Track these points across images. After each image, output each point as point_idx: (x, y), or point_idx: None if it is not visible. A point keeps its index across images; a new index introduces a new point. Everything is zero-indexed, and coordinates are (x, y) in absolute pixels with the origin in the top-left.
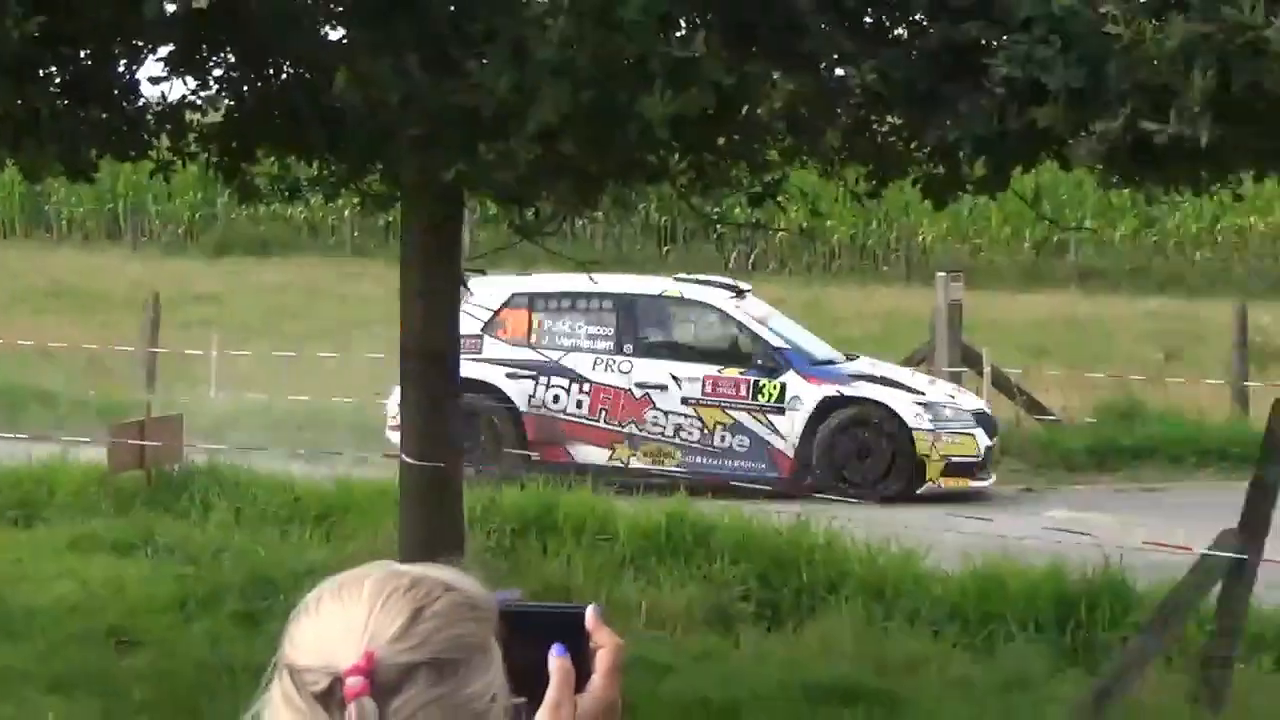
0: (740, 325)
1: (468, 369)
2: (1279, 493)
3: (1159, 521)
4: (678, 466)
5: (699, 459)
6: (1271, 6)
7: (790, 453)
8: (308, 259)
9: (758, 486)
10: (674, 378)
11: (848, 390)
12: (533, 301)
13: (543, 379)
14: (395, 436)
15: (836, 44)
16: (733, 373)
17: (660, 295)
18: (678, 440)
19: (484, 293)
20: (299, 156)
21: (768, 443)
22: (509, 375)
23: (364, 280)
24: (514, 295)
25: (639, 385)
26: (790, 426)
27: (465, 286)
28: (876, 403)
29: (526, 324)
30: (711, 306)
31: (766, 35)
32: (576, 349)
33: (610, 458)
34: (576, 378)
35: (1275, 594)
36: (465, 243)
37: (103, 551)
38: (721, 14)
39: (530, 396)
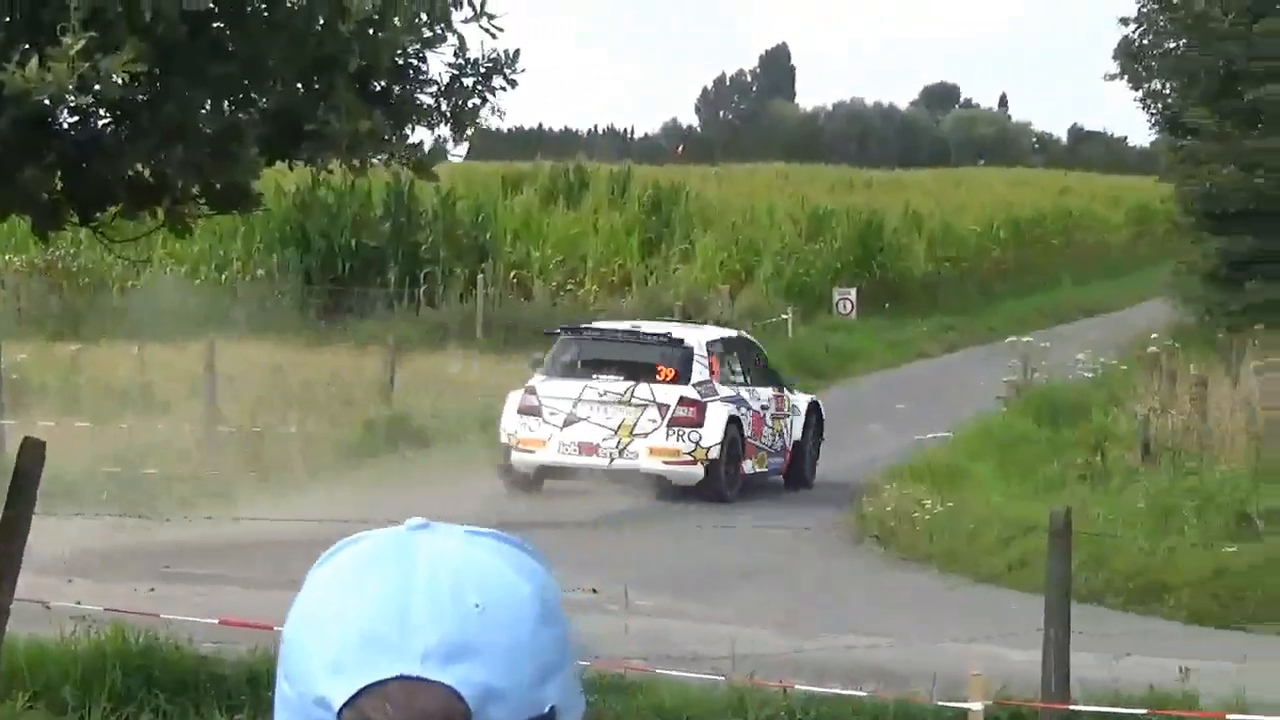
0: (762, 353)
1: (724, 410)
2: (29, 531)
3: None
4: (765, 468)
5: (771, 459)
6: None
7: (787, 447)
8: None
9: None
10: (773, 398)
11: (813, 396)
12: (711, 348)
13: (740, 409)
14: (519, 456)
15: None
16: (776, 390)
17: (739, 336)
18: (770, 447)
19: (697, 342)
20: None
21: (785, 443)
22: (736, 414)
23: None
24: (709, 342)
25: (762, 407)
26: (794, 427)
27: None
28: (817, 403)
29: (718, 367)
30: (755, 342)
31: None
32: (735, 383)
33: (751, 467)
34: (748, 406)
35: (28, 630)
36: None
37: None
38: None
39: (747, 425)
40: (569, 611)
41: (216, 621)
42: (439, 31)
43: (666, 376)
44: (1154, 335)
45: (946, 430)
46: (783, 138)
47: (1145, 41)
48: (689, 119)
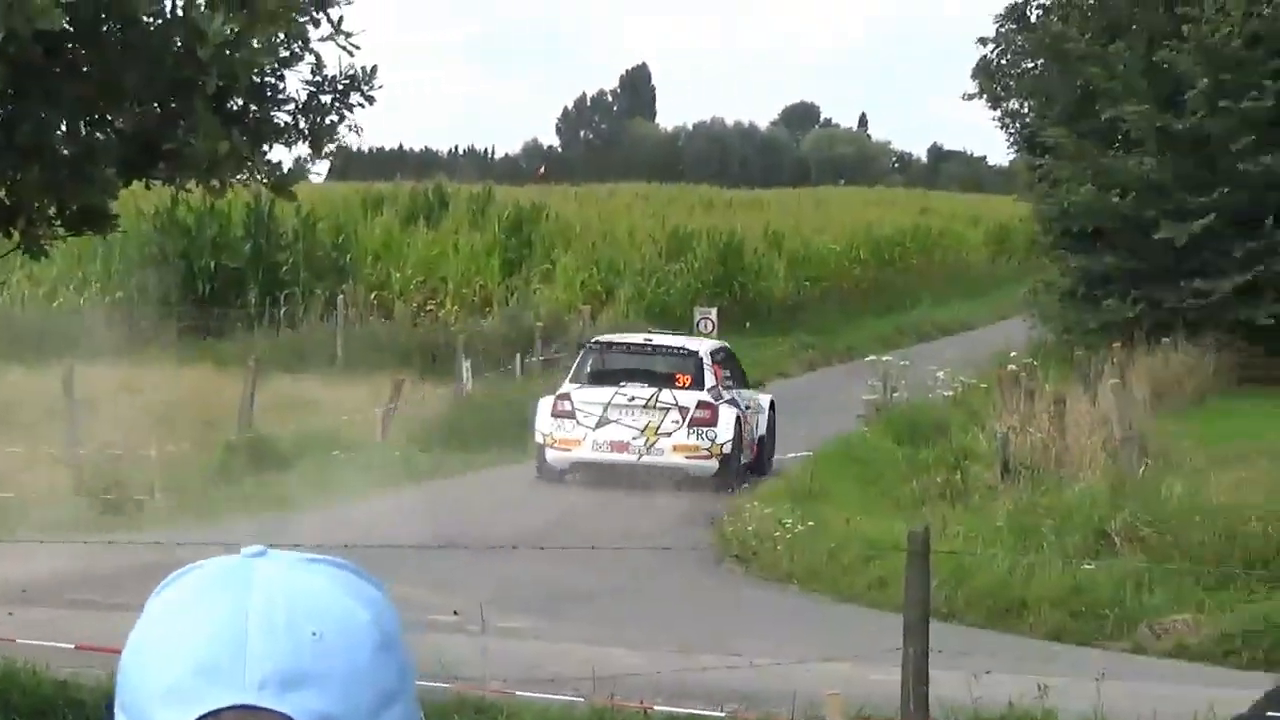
0: (738, 360)
1: (732, 411)
2: None
3: None
4: (746, 460)
5: (746, 451)
6: None
7: (755, 440)
8: None
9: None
10: (750, 398)
11: (770, 396)
12: (714, 356)
13: (739, 409)
14: (553, 454)
15: None
16: (749, 392)
17: (726, 346)
18: (749, 440)
19: (706, 353)
20: None
21: (754, 437)
22: (739, 413)
23: None
24: (711, 352)
25: (746, 407)
26: (758, 421)
27: None
28: (773, 401)
29: (720, 374)
30: (733, 350)
31: None
32: (729, 387)
33: (743, 457)
34: (741, 407)
35: None
36: None
37: None
38: None
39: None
40: (431, 633)
41: (74, 647)
42: (296, 50)
43: (684, 383)
44: (1013, 354)
45: (807, 449)
46: (644, 158)
47: (1003, 61)
48: (550, 139)
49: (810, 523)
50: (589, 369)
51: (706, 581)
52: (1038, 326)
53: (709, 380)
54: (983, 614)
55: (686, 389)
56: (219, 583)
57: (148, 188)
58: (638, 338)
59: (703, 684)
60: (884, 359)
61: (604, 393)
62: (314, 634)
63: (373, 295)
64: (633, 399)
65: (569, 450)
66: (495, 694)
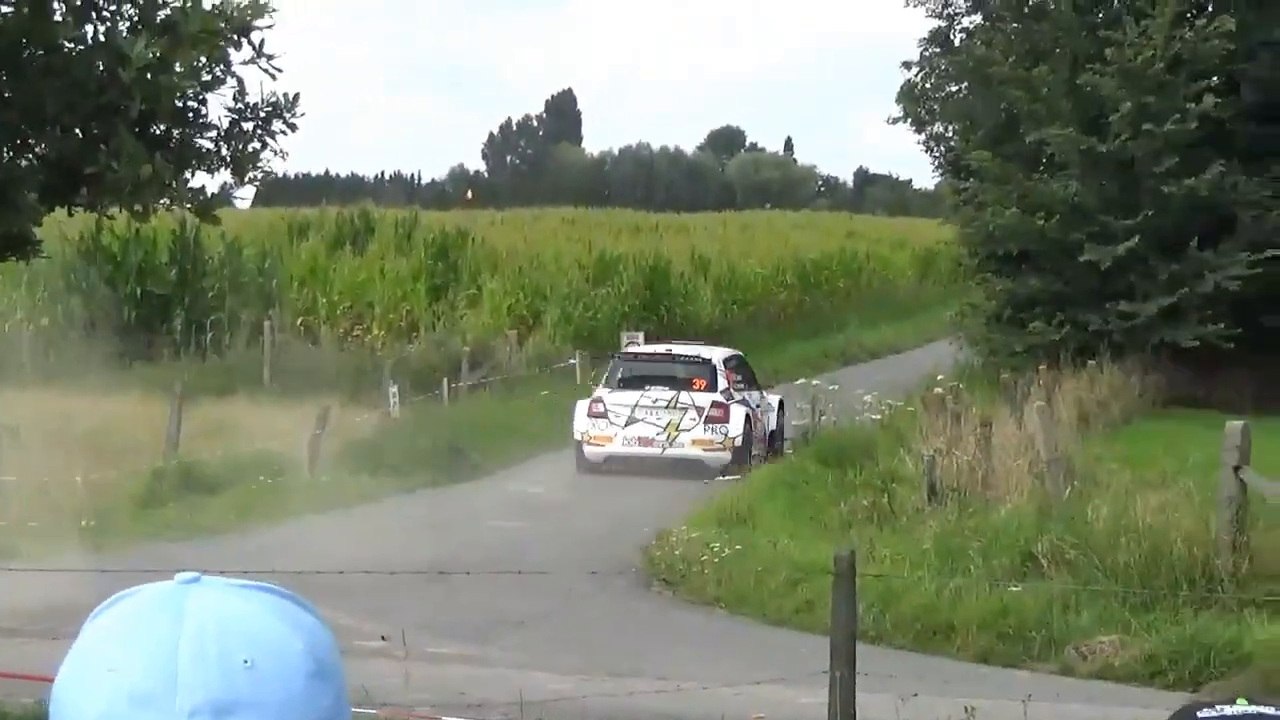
0: (750, 366)
1: (742, 409)
2: None
3: None
4: (759, 451)
5: (758, 444)
6: None
7: (767, 434)
8: None
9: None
10: (760, 399)
11: (778, 394)
12: (726, 363)
13: (749, 408)
14: (590, 449)
15: None
16: (759, 393)
17: (737, 354)
18: (760, 435)
19: (719, 361)
20: None
21: (765, 431)
22: (749, 411)
23: None
24: (724, 360)
25: (756, 406)
26: (769, 418)
27: None
28: (782, 401)
29: (732, 378)
30: (744, 358)
31: None
32: (740, 388)
33: (754, 451)
34: (751, 406)
35: None
36: None
37: None
38: None
39: (753, 419)
40: (357, 658)
41: None
42: (218, 74)
43: (700, 386)
44: (940, 377)
45: (736, 473)
46: (570, 182)
47: (928, 85)
48: (476, 164)
49: (737, 546)
50: (619, 376)
51: (634, 605)
52: (964, 349)
53: (721, 384)
54: (910, 636)
55: (702, 391)
56: (152, 610)
57: (70, 214)
58: (660, 348)
59: (630, 708)
60: (812, 382)
61: (632, 396)
62: (246, 662)
63: (299, 321)
64: (656, 401)
65: (603, 446)
66: (422, 719)
